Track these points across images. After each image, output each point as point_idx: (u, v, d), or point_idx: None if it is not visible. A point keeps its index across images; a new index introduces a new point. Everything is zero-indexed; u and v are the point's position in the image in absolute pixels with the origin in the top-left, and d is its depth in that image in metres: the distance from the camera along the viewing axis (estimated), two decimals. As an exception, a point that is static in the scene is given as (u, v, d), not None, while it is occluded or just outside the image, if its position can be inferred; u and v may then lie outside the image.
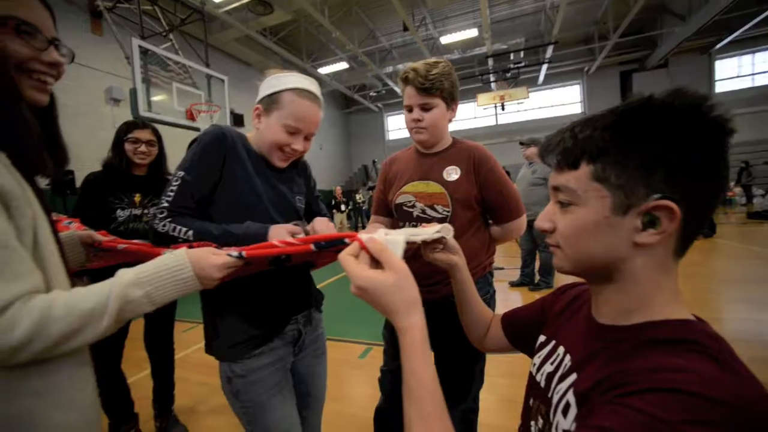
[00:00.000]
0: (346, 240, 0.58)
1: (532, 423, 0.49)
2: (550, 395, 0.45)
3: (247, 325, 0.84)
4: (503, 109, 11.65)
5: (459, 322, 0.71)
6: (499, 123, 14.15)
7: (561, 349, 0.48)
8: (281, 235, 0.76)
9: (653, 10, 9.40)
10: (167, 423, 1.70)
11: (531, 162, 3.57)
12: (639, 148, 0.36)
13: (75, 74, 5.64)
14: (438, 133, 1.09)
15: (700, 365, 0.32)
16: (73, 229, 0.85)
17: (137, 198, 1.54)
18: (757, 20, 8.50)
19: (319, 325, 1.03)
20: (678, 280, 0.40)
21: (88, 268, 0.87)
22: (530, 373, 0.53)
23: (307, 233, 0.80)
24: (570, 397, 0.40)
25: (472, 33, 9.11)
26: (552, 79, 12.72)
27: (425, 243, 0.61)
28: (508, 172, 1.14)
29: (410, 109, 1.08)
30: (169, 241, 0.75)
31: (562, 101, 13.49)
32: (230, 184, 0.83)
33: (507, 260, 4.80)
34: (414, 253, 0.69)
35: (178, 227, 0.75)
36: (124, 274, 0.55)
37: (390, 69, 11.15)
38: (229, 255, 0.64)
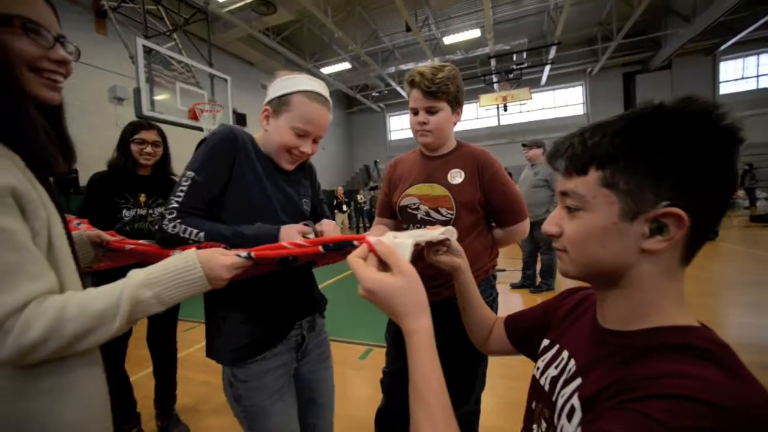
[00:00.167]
0: (355, 242, 0.59)
1: (535, 426, 0.49)
2: (554, 399, 0.45)
3: (250, 329, 0.83)
4: (505, 110, 11.63)
5: (461, 324, 0.71)
6: (501, 124, 14.13)
7: (565, 353, 0.48)
8: (292, 235, 0.76)
9: (657, 11, 9.36)
10: (169, 422, 1.71)
11: (533, 164, 3.56)
12: (648, 155, 0.36)
13: (79, 73, 5.66)
14: (443, 137, 1.10)
15: (706, 372, 0.32)
16: (83, 229, 0.85)
17: (142, 198, 1.55)
18: (762, 22, 8.45)
19: (323, 330, 1.02)
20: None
21: (95, 270, 0.87)
22: (533, 376, 0.53)
23: (316, 233, 0.81)
24: (575, 401, 0.40)
25: (475, 33, 9.10)
26: (555, 80, 12.69)
27: (429, 245, 0.61)
28: (510, 174, 1.14)
29: (416, 112, 1.08)
30: (178, 243, 0.74)
31: (564, 102, 13.45)
32: (240, 185, 0.82)
33: (508, 262, 4.79)
34: (417, 255, 0.69)
35: (189, 228, 0.74)
36: (135, 275, 0.56)
37: (392, 69, 11.15)
38: (238, 255, 0.64)
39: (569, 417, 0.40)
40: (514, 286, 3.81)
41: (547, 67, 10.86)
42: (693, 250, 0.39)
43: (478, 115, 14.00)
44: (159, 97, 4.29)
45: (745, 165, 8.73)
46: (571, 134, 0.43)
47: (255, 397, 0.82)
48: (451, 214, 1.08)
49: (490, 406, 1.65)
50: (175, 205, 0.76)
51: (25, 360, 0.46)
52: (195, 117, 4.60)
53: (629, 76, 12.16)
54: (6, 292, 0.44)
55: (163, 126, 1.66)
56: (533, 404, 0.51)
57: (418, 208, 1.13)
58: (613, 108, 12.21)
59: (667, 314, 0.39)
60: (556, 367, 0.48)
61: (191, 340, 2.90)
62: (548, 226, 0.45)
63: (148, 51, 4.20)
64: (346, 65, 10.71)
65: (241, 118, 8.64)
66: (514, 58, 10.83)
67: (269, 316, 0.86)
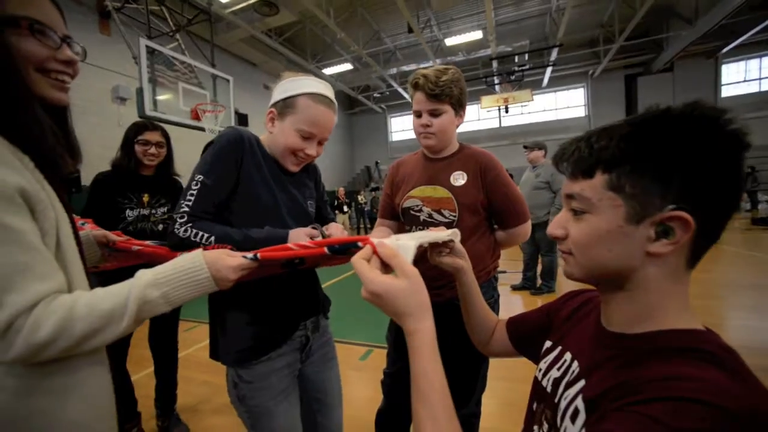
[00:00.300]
0: (359, 244, 0.59)
1: (536, 427, 0.49)
2: (556, 400, 0.45)
3: (255, 330, 0.83)
4: (507, 111, 11.63)
5: (463, 325, 0.72)
6: (502, 125, 14.13)
7: (568, 355, 0.49)
8: (300, 238, 0.76)
9: (659, 14, 9.35)
10: (169, 422, 1.71)
11: (534, 166, 3.56)
12: (655, 159, 0.37)
13: (82, 73, 5.55)
14: (446, 139, 1.10)
15: (713, 375, 0.32)
16: (88, 229, 0.86)
17: (145, 198, 1.55)
18: (764, 25, 8.43)
19: (327, 331, 1.02)
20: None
21: (101, 269, 0.88)
22: (535, 378, 0.53)
23: (324, 236, 0.81)
24: (579, 403, 0.40)
25: (477, 35, 9.11)
26: (556, 82, 12.68)
27: (432, 246, 0.61)
28: (511, 175, 1.15)
29: (419, 114, 1.09)
30: (190, 247, 0.74)
31: (566, 104, 13.44)
32: (248, 187, 0.82)
33: (509, 264, 4.79)
34: (420, 256, 0.70)
35: (200, 232, 0.75)
36: (143, 275, 0.56)
37: (394, 70, 11.16)
38: (244, 257, 0.64)
39: (573, 419, 0.40)
40: (514, 288, 3.80)
41: (549, 69, 10.86)
42: (699, 254, 0.39)
43: (479, 117, 14.00)
44: (161, 97, 4.30)
45: (747, 168, 8.66)
46: (578, 137, 0.43)
47: (259, 397, 0.82)
48: (454, 216, 1.09)
49: (490, 407, 1.65)
50: (186, 209, 0.76)
51: (34, 359, 0.47)
52: (197, 117, 4.62)
53: (631, 79, 12.14)
54: (16, 292, 0.45)
55: (165, 126, 1.66)
56: (534, 405, 0.52)
57: (420, 210, 1.13)
58: (614, 110, 12.21)
59: (672, 317, 0.39)
60: (558, 369, 0.48)
61: (192, 339, 2.91)
62: (554, 229, 0.46)
63: (151, 51, 4.21)
64: (347, 66, 10.74)
65: (243, 119, 8.66)
66: (516, 60, 10.84)
67: (274, 317, 0.86)
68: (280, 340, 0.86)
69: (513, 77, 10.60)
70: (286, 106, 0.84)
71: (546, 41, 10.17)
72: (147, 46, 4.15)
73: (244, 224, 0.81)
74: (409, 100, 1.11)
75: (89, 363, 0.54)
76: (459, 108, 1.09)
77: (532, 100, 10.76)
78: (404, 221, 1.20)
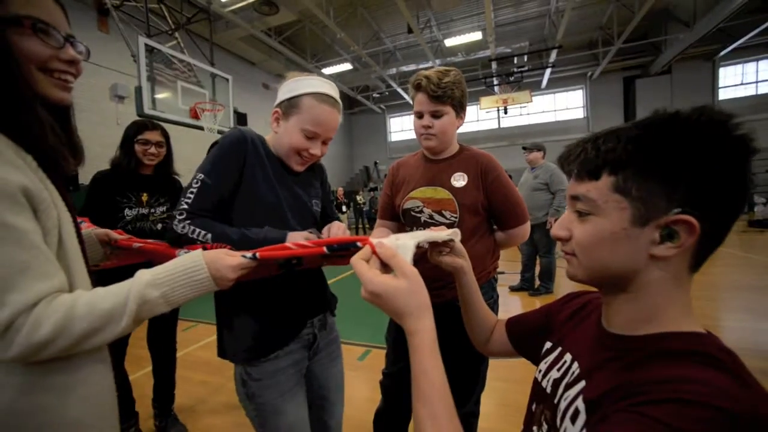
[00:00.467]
0: (358, 244, 0.59)
1: (535, 428, 0.49)
2: (556, 401, 0.45)
3: (263, 328, 0.84)
4: (506, 112, 11.65)
5: (463, 325, 0.72)
6: (501, 126, 14.15)
7: (568, 356, 0.49)
8: (297, 240, 0.76)
9: (658, 17, 9.40)
10: (167, 422, 1.71)
11: (533, 167, 3.57)
12: (662, 162, 0.37)
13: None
14: (447, 140, 1.11)
15: (714, 378, 0.32)
16: (84, 228, 0.86)
17: (144, 197, 1.55)
18: (761, 28, 8.50)
19: (333, 329, 1.03)
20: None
21: (102, 268, 0.88)
22: (535, 378, 0.54)
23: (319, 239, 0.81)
24: (579, 404, 0.41)
25: (476, 36, 9.12)
26: (555, 84, 12.72)
27: (432, 246, 0.62)
28: (510, 176, 1.16)
29: (420, 116, 1.09)
30: (187, 243, 0.76)
31: (565, 106, 13.47)
32: (250, 187, 0.83)
33: (507, 265, 4.80)
34: (421, 256, 0.70)
35: (198, 229, 0.75)
36: (142, 275, 0.56)
37: (394, 71, 11.16)
38: (244, 256, 0.64)
39: (573, 419, 0.40)
40: (512, 289, 3.81)
41: (548, 71, 10.89)
42: (702, 258, 0.39)
43: (478, 118, 14.03)
44: (160, 96, 4.28)
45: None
46: (584, 139, 0.43)
47: (268, 395, 0.83)
48: (455, 217, 1.09)
49: (488, 408, 1.65)
50: (185, 206, 0.77)
51: (33, 358, 0.47)
52: (196, 116, 4.60)
53: (629, 81, 12.19)
54: (17, 291, 0.45)
55: (164, 125, 1.66)
56: (534, 406, 0.52)
57: (421, 211, 1.14)
58: (613, 112, 12.27)
59: (674, 320, 0.39)
60: (558, 370, 0.49)
61: (190, 339, 2.90)
62: (557, 230, 0.46)
63: (150, 50, 4.19)
64: (347, 66, 10.73)
65: (242, 118, 8.63)
66: (515, 61, 10.86)
67: (281, 315, 0.86)
68: (287, 337, 0.86)
69: (512, 78, 10.63)
70: (290, 105, 0.84)
71: (545, 43, 10.20)
72: (146, 45, 4.12)
73: (246, 223, 0.81)
74: (409, 100, 1.11)
75: (92, 361, 0.54)
76: (460, 110, 1.10)
77: (531, 101, 10.79)
78: (405, 222, 1.20)
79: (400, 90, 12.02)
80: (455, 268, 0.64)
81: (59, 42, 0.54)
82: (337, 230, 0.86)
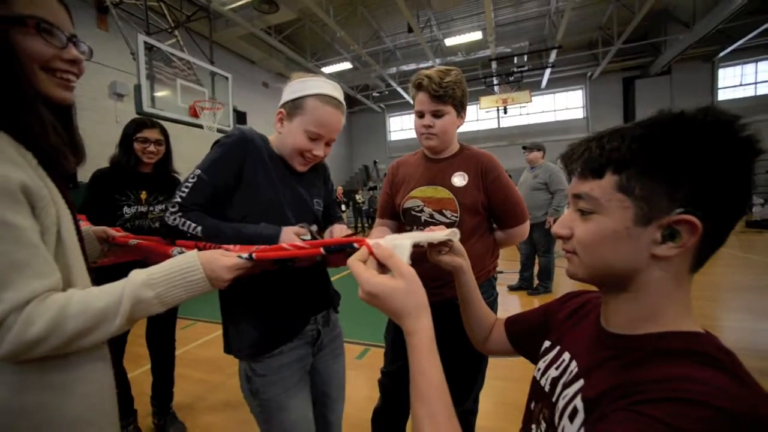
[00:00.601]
0: (355, 245, 0.59)
1: (534, 426, 0.50)
2: (554, 400, 0.45)
3: (267, 324, 0.85)
4: (505, 112, 11.65)
5: (462, 323, 0.72)
6: (501, 126, 14.15)
7: (566, 355, 0.49)
8: (291, 237, 0.77)
9: (657, 17, 9.41)
10: (166, 420, 1.71)
11: (533, 167, 3.58)
12: (666, 162, 0.37)
13: None
14: (447, 140, 1.11)
15: (714, 378, 0.32)
16: (81, 225, 0.86)
17: (143, 195, 1.55)
18: (760, 30, 8.51)
19: (337, 325, 1.04)
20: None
21: (98, 265, 0.88)
22: (534, 377, 0.54)
23: (311, 233, 0.82)
24: (578, 402, 0.41)
25: (476, 35, 9.11)
26: (555, 84, 12.72)
27: (431, 245, 0.62)
28: (509, 176, 1.16)
29: (421, 115, 1.09)
30: (178, 234, 0.77)
31: (564, 106, 13.48)
32: (250, 187, 0.84)
33: (506, 264, 4.80)
34: (421, 256, 0.70)
35: (188, 222, 0.77)
36: (137, 275, 0.56)
37: (393, 70, 11.15)
38: (240, 256, 0.64)
39: (571, 418, 0.40)
40: (511, 288, 3.82)
41: (548, 71, 10.89)
42: (703, 258, 0.39)
43: (478, 117, 14.02)
44: (159, 94, 4.27)
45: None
46: (588, 138, 0.43)
47: (272, 391, 0.84)
48: (456, 217, 1.09)
49: (487, 406, 1.66)
50: (179, 199, 0.79)
51: (24, 356, 0.47)
52: (195, 114, 4.58)
53: (629, 81, 12.20)
54: (12, 289, 0.45)
55: (163, 123, 1.66)
56: (532, 405, 0.52)
57: (422, 211, 1.14)
58: (612, 112, 12.27)
59: (673, 320, 0.39)
60: (557, 369, 0.49)
61: (188, 337, 2.90)
62: (559, 228, 0.46)
63: (149, 48, 4.18)
64: (347, 65, 10.71)
65: (241, 117, 8.62)
66: (515, 61, 10.86)
67: (286, 311, 0.87)
68: (291, 333, 0.87)
69: (512, 78, 10.63)
70: (294, 106, 0.85)
71: (545, 43, 10.20)
72: (145, 43, 4.11)
73: (246, 221, 0.82)
74: (409, 99, 1.12)
75: (91, 359, 0.54)
76: (461, 109, 1.10)
77: (531, 101, 10.79)
78: (405, 222, 1.20)
79: (399, 89, 12.01)
80: (454, 267, 0.64)
81: (62, 42, 0.54)
82: (340, 232, 0.87)
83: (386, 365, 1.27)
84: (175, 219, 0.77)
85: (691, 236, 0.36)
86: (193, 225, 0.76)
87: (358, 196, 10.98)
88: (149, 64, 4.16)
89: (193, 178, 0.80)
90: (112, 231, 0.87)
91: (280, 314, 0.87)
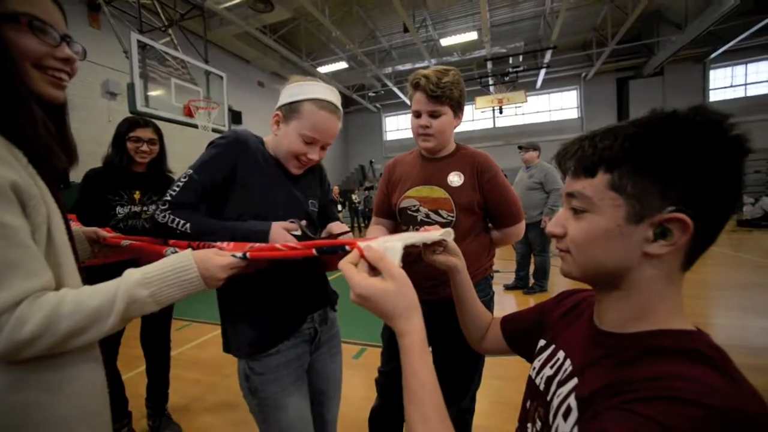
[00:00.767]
0: (347, 247, 0.59)
1: (529, 425, 0.50)
2: (549, 398, 0.46)
3: (265, 322, 0.86)
4: (501, 112, 11.71)
5: (458, 323, 0.72)
6: (496, 126, 14.23)
7: (561, 354, 0.49)
8: (281, 234, 0.78)
9: (651, 18, 9.51)
10: (161, 421, 1.69)
11: (528, 166, 3.60)
12: (658, 161, 0.37)
13: None
14: (444, 140, 1.11)
15: (705, 375, 0.32)
16: (73, 226, 0.86)
17: (137, 195, 1.53)
18: (750, 32, 8.65)
19: (334, 324, 1.04)
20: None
21: (88, 265, 0.87)
22: (529, 376, 0.54)
23: (301, 228, 0.82)
24: (571, 401, 0.41)
25: (472, 36, 9.15)
26: (550, 84, 12.81)
27: (426, 245, 0.62)
28: (505, 175, 1.17)
29: (418, 115, 1.09)
30: (167, 232, 0.78)
31: (559, 106, 13.59)
32: (243, 189, 0.84)
33: (502, 263, 4.83)
34: (415, 256, 0.70)
35: (177, 219, 0.77)
36: (131, 274, 0.56)
37: (389, 70, 11.14)
38: (234, 256, 0.64)
39: (565, 416, 0.41)
40: (507, 288, 3.84)
41: (543, 71, 10.96)
42: (694, 256, 0.39)
43: (473, 117, 14.07)
44: (153, 93, 4.22)
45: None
46: (581, 136, 0.44)
47: (270, 389, 0.84)
48: (452, 216, 1.10)
49: (483, 405, 1.66)
50: (169, 198, 0.80)
51: (17, 356, 0.46)
52: (190, 114, 4.54)
53: (623, 82, 12.33)
54: (3, 288, 0.45)
55: (157, 122, 1.64)
56: (528, 403, 0.52)
57: (418, 210, 1.14)
58: (606, 112, 12.39)
59: (665, 318, 0.40)
60: (551, 367, 0.49)
61: (183, 338, 2.87)
62: (553, 227, 0.46)
63: (142, 46, 4.13)
64: (342, 65, 10.69)
65: (236, 116, 8.56)
66: (510, 61, 10.92)
67: (283, 310, 0.88)
68: (288, 331, 0.88)
69: (507, 78, 10.69)
70: (291, 110, 0.86)
71: (540, 43, 10.26)
72: (138, 41, 4.06)
73: (239, 221, 0.83)
74: (405, 99, 1.12)
75: (82, 359, 0.54)
76: (458, 110, 1.10)
77: (526, 101, 10.86)
78: (401, 221, 1.20)
79: (395, 89, 12.01)
80: (449, 266, 0.64)
81: (55, 40, 0.54)
82: (338, 228, 0.88)
83: (383, 365, 1.27)
84: (164, 216, 0.78)
85: (682, 234, 0.37)
86: (182, 222, 0.77)
87: (354, 196, 10.97)
88: (143, 63, 4.11)
89: (184, 177, 0.81)
90: (103, 232, 0.87)
91: (277, 313, 0.87)
